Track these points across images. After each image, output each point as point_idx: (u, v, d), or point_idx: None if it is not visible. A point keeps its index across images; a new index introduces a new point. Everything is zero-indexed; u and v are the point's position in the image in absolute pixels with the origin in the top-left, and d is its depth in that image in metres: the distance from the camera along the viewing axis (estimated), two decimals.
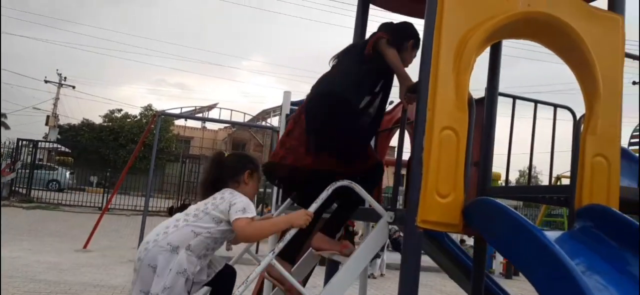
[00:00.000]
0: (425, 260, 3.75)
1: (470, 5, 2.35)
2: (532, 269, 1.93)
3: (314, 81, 2.86)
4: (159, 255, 2.19)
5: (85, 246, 9.61)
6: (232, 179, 2.45)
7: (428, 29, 2.34)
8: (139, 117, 31.73)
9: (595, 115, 2.49)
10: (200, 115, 19.40)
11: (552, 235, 2.45)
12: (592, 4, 2.65)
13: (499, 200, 2.22)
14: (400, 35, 2.81)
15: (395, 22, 2.99)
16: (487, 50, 3.57)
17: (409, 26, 2.94)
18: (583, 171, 2.49)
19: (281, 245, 2.31)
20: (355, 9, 3.77)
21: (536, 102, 3.70)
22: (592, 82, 2.46)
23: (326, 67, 2.96)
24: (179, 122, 31.45)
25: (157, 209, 18.74)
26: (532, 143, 3.74)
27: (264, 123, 23.07)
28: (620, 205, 2.58)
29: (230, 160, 2.58)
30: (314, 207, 2.39)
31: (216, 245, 2.37)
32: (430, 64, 2.30)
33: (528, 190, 3.55)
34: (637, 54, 2.86)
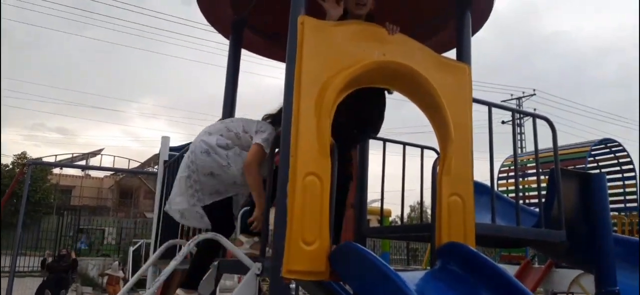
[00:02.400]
0: None
1: (329, 53, 2.40)
2: None
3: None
4: None
5: None
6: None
7: (289, 76, 2.36)
8: (11, 166, 28.66)
9: (448, 156, 2.64)
10: (81, 162, 17.99)
11: (415, 275, 2.52)
12: (442, 54, 2.85)
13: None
14: None
15: None
16: None
17: None
18: (441, 210, 2.61)
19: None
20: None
21: (404, 144, 3.89)
22: (444, 126, 2.62)
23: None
24: (58, 170, 28.89)
25: (31, 267, 16.87)
26: (403, 182, 3.92)
27: (155, 168, 22.01)
28: (477, 240, 2.75)
29: None
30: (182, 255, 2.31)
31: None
32: (291, 110, 2.30)
33: (397, 229, 3.69)
34: (485, 99, 3.12)
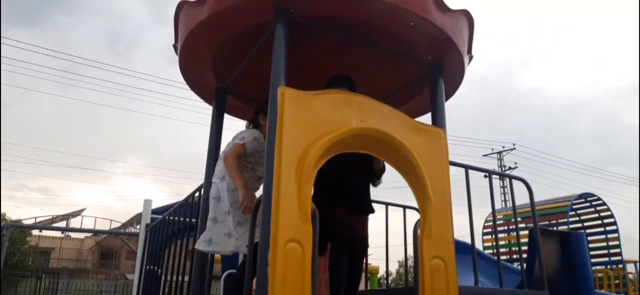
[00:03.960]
0: None
1: (308, 122, 2.46)
2: None
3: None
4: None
5: None
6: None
7: (270, 144, 2.40)
8: None
9: (429, 219, 2.66)
10: (61, 223, 17.62)
11: None
12: (417, 119, 2.93)
13: None
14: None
15: None
16: None
17: None
18: (423, 274, 2.61)
19: None
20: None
21: (387, 204, 3.94)
22: (422, 189, 2.66)
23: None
24: (37, 231, 28.17)
25: None
26: (387, 241, 3.94)
27: (137, 228, 21.59)
28: None
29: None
30: None
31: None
32: (272, 178, 2.33)
33: (382, 293, 3.66)
34: (463, 162, 3.19)
